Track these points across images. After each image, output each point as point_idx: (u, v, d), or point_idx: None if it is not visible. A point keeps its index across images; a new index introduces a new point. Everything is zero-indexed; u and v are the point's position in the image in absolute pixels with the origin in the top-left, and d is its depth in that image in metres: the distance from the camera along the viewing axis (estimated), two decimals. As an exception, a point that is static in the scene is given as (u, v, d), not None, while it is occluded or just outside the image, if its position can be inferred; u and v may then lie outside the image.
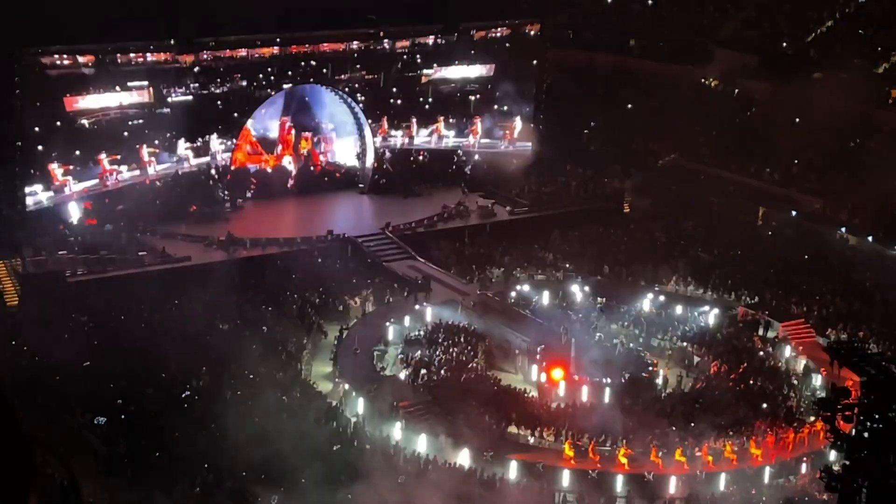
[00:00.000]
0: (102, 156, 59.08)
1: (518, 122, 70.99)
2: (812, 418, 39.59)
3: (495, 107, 70.50)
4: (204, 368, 41.31)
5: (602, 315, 49.31)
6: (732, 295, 53.45)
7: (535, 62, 71.72)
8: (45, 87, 57.92)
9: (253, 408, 38.33)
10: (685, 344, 47.97)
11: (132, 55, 61.46)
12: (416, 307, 49.81)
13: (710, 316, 50.17)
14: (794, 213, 61.44)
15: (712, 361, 46.01)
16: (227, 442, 35.71)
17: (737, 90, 71.09)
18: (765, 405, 42.12)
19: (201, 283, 48.42)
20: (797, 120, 65.31)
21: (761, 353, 47.26)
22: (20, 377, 38.32)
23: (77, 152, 58.70)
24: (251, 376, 41.16)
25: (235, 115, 63.77)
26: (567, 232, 59.94)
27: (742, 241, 59.07)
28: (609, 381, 43.33)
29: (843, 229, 59.42)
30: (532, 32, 73.02)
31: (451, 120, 69.89)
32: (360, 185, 67.20)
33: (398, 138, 68.74)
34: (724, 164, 65.34)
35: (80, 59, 60.05)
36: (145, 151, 60.48)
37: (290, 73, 65.26)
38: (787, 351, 47.58)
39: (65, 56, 59.60)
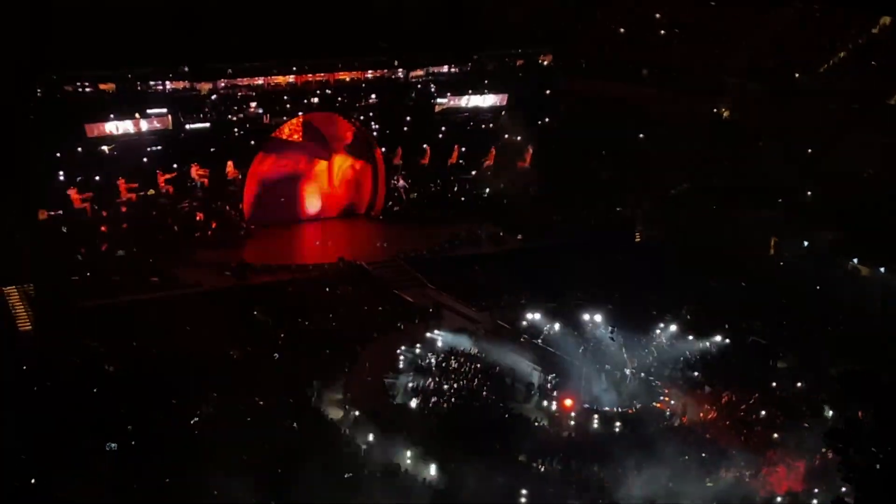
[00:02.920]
0: (120, 181, 59.13)
1: (531, 151, 70.72)
2: (824, 449, 38.84)
3: (508, 135, 70.19)
4: (214, 394, 40.75)
5: (613, 344, 48.65)
6: (744, 325, 52.70)
7: (547, 92, 71.45)
8: (66, 114, 57.98)
9: (262, 434, 37.82)
10: (697, 374, 47.23)
11: (151, 83, 61.56)
12: (428, 335, 49.22)
13: (722, 346, 49.46)
14: (805, 243, 60.76)
15: (724, 392, 45.27)
16: (237, 467, 35.15)
17: (748, 120, 70.51)
18: (776, 436, 41.37)
19: (212, 310, 48.04)
20: (809, 150, 64.73)
21: (773, 383, 46.48)
22: (31, 402, 37.94)
23: (97, 178, 58.70)
24: (261, 403, 40.62)
25: (252, 142, 63.68)
26: (578, 260, 59.35)
27: (754, 271, 58.39)
28: (620, 410, 42.70)
29: (855, 260, 58.68)
30: (545, 62, 72.82)
31: (463, 148, 69.64)
32: (373, 212, 66.83)
33: (412, 165, 68.53)
34: (736, 193, 64.67)
35: (101, 86, 60.14)
36: (162, 177, 60.52)
37: (305, 101, 65.14)
38: (799, 382, 46.78)
39: (86, 83, 59.70)
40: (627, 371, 46.39)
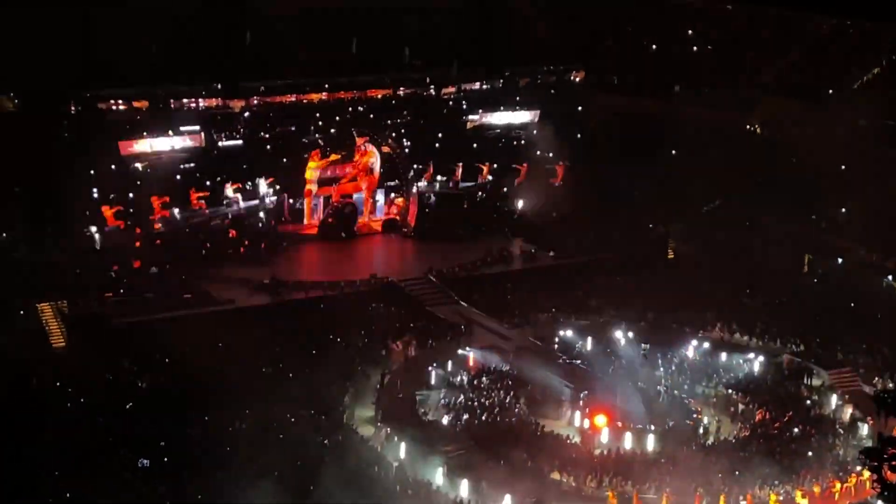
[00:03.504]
0: (153, 198, 59.43)
1: (562, 167, 70.64)
2: (859, 468, 38.48)
3: (539, 152, 70.11)
4: (247, 411, 40.80)
5: (646, 361, 48.43)
6: (778, 342, 52.34)
7: (579, 108, 71.41)
8: (100, 132, 58.42)
9: (293, 450, 37.84)
10: (730, 391, 46.86)
11: (185, 101, 61.97)
12: (459, 352, 49.14)
13: (756, 363, 49.10)
14: (839, 260, 60.38)
15: (757, 409, 44.90)
16: (269, 483, 35.16)
17: (780, 136, 70.19)
18: (810, 454, 41.00)
19: (245, 326, 48.16)
20: (843, 167, 64.33)
21: (807, 401, 46.11)
22: (65, 418, 38.11)
23: (130, 195, 59.03)
24: (293, 420, 40.63)
25: (284, 159, 63.94)
26: (611, 277, 59.20)
27: (788, 288, 58.06)
28: (653, 428, 42.45)
29: (890, 277, 58.24)
30: (576, 79, 72.82)
31: (495, 165, 69.63)
32: (405, 229, 66.91)
33: (443, 182, 68.60)
34: (769, 210, 64.33)
35: (135, 104, 60.60)
36: (195, 194, 60.80)
37: (337, 118, 65.35)
38: (834, 399, 46.35)
39: (120, 101, 60.16)
40: (660, 388, 46.16)
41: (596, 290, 57.26)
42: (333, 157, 65.41)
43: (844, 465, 40.55)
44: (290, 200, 65.70)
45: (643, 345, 49.16)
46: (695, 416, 44.42)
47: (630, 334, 50.17)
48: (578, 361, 48.02)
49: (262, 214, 62.54)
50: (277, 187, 63.90)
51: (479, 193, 69.77)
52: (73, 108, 58.09)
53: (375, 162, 66.51)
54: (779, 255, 61.03)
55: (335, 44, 61.92)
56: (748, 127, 71.68)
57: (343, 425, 42.12)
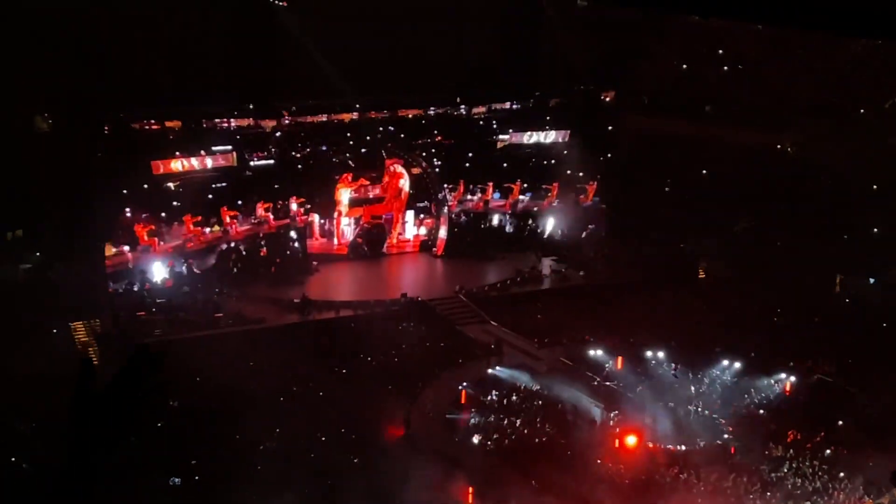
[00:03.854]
0: (185, 217, 59.82)
1: (593, 187, 70.64)
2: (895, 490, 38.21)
3: (570, 171, 70.13)
4: (277, 430, 40.95)
5: (676, 381, 48.29)
6: (810, 362, 52.04)
7: (609, 128, 71.39)
8: (132, 151, 58.78)
9: (324, 469, 37.94)
10: (761, 411, 46.69)
11: (217, 121, 62.34)
12: (489, 371, 49.18)
13: (787, 383, 48.89)
14: (871, 280, 59.99)
15: (789, 430, 44.68)
16: (298, 502, 35.28)
17: (811, 156, 69.80)
18: (842, 474, 40.73)
19: (276, 346, 48.38)
20: (875, 187, 63.98)
21: (839, 422, 45.81)
22: (96, 437, 38.22)
23: (163, 214, 59.45)
24: (323, 438, 40.74)
25: (315, 179, 64.25)
26: (641, 296, 59.03)
27: (819, 308, 57.74)
28: (684, 448, 42.30)
29: (924, 297, 57.86)
30: (607, 99, 72.78)
31: (525, 184, 69.71)
32: (434, 249, 67.05)
33: (473, 202, 68.76)
34: (800, 229, 63.98)
35: (167, 123, 60.98)
36: (227, 213, 61.17)
37: (368, 137, 65.68)
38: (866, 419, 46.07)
39: (153, 121, 60.55)
40: (691, 408, 46.00)
41: (626, 310, 57.07)
42: (363, 181, 65.76)
43: (877, 485, 40.27)
44: (321, 220, 65.99)
45: (674, 364, 49.02)
46: (726, 436, 44.23)
47: (660, 354, 50.03)
48: (608, 381, 47.98)
49: (292, 234, 62.80)
50: (308, 207, 64.19)
51: (509, 213, 69.84)
52: (106, 127, 58.45)
53: (405, 182, 66.75)
54: (810, 275, 60.67)
55: (366, 64, 61.94)
56: (779, 147, 71.34)
57: (373, 444, 42.19)
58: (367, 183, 66.22)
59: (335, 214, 65.91)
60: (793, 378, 49.22)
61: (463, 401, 46.29)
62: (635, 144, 72.00)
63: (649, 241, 66.80)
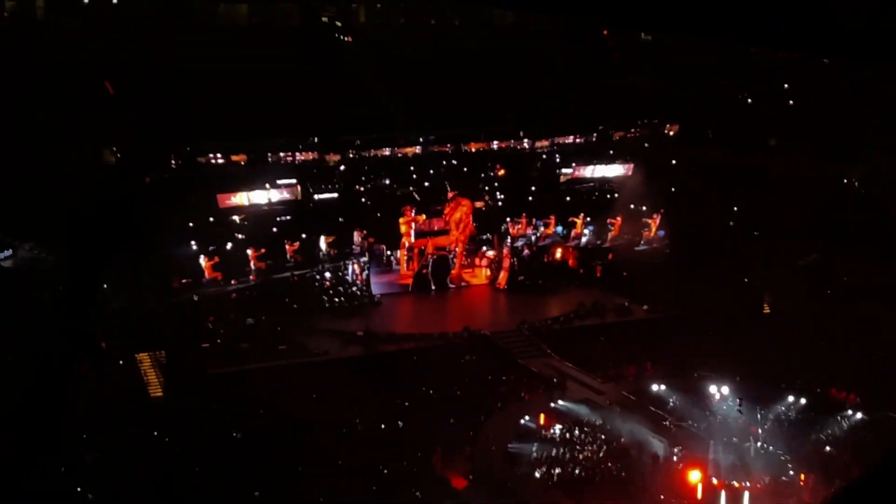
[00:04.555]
0: (250, 250, 60.42)
1: (656, 221, 70.33)
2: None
3: (633, 205, 69.93)
4: (339, 462, 41.12)
5: (741, 416, 47.75)
6: (880, 399, 51.20)
7: (673, 161, 71.09)
8: (199, 185, 59.55)
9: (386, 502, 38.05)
10: (828, 448, 46.02)
11: (281, 154, 63.04)
12: (552, 405, 49.02)
13: (854, 420, 48.15)
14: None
15: (857, 468, 43.94)
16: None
17: (880, 190, 68.97)
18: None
19: (339, 378, 48.67)
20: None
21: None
22: (160, 467, 38.76)
23: (227, 247, 60.09)
24: (385, 471, 40.83)
25: (378, 213, 64.66)
26: (705, 331, 58.50)
27: (888, 345, 56.80)
28: (748, 484, 41.80)
29: None
30: (671, 132, 72.57)
31: (588, 218, 69.61)
32: (498, 282, 67.08)
33: (537, 235, 68.75)
34: (868, 263, 63.13)
35: (233, 157, 61.76)
36: (290, 247, 61.70)
37: (431, 171, 66.06)
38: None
39: (219, 155, 61.35)
40: (755, 444, 45.46)
41: (690, 344, 56.60)
42: (421, 217, 66.06)
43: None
44: (387, 252, 66.41)
45: (738, 399, 48.51)
46: (791, 472, 43.64)
47: (724, 389, 49.53)
48: (672, 416, 47.63)
49: (355, 267, 63.18)
50: (371, 240, 64.56)
51: (573, 247, 69.73)
52: (173, 161, 59.34)
53: (468, 215, 66.94)
54: (878, 310, 59.76)
55: (430, 98, 62.41)
56: (846, 181, 70.58)
57: (435, 477, 42.24)
58: (429, 217, 66.46)
59: (400, 246, 66.28)
60: (860, 415, 48.46)
61: (525, 434, 46.18)
62: (699, 178, 71.67)
63: (714, 274, 66.28)
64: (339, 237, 63.68)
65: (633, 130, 72.35)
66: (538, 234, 69.00)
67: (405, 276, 66.52)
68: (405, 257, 66.52)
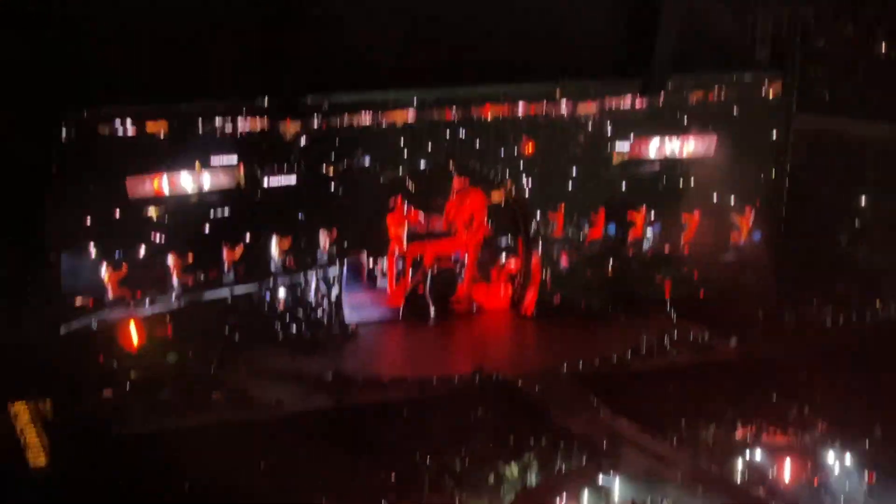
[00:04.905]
0: (172, 258, 60.15)
1: (749, 219, 70.12)
2: None
3: (716, 197, 69.72)
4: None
5: (870, 496, 47.55)
6: None
7: (774, 133, 70.82)
8: (99, 164, 59.02)
9: None
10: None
11: (217, 122, 62.55)
12: (599, 480, 48.79)
13: None
14: None
15: None
16: None
17: None
18: None
19: (298, 441, 48.42)
20: None
21: None
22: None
23: (140, 254, 59.81)
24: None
25: (355, 205, 64.34)
26: (820, 375, 58.22)
27: None
28: None
29: None
30: (771, 93, 72.22)
31: (652, 215, 69.41)
32: (524, 304, 66.87)
33: (579, 238, 68.58)
34: None
35: (149, 126, 61.19)
36: (230, 254, 61.44)
37: (430, 147, 65.76)
38: None
39: (127, 121, 60.72)
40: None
41: (797, 394, 56.36)
42: (416, 214, 65.87)
43: None
44: (368, 263, 66.27)
45: (866, 472, 48.30)
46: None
47: (847, 457, 49.30)
48: (771, 495, 47.41)
49: (321, 283, 62.99)
50: (346, 244, 64.31)
51: (630, 255, 69.55)
52: (63, 133, 58.63)
53: (481, 211, 66.68)
54: None
55: (427, 40, 61.89)
56: None
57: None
58: (427, 214, 66.36)
59: (387, 254, 66.21)
60: None
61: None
62: (812, 157, 71.29)
63: (832, 297, 66.01)
64: (299, 240, 63.49)
65: (716, 88, 71.97)
66: (582, 237, 68.83)
67: (393, 297, 66.40)
68: (394, 270, 66.36)
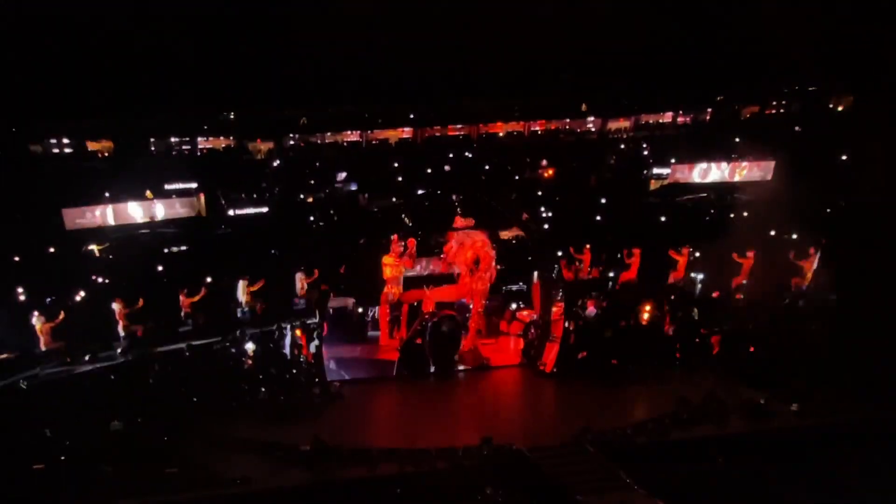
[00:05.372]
0: (117, 306, 59.82)
1: (813, 261, 69.80)
2: None
3: (774, 232, 69.46)
4: None
5: None
6: None
7: (844, 155, 70.66)
8: (32, 191, 59.12)
9: None
10: None
11: (173, 140, 62.55)
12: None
13: None
14: None
15: None
16: None
17: None
18: None
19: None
20: None
21: None
22: None
23: (78, 297, 59.50)
24: None
25: (339, 240, 64.14)
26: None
27: None
28: None
29: None
30: (840, 108, 72.08)
31: (697, 254, 69.12)
32: (540, 360, 66.52)
33: (610, 282, 68.29)
34: None
35: (90, 145, 61.25)
36: (187, 301, 61.16)
37: (428, 171, 65.61)
38: None
39: (65, 140, 60.79)
40: None
41: (877, 473, 55.83)
42: (411, 250, 65.63)
43: None
44: (357, 310, 66.06)
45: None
46: None
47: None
48: None
49: (297, 334, 62.69)
50: (325, 288, 64.05)
51: (670, 301, 69.20)
52: (-9, 154, 58.92)
53: (489, 253, 66.40)
54: None
55: (428, 46, 61.90)
56: None
57: None
58: (426, 253, 66.19)
59: (379, 301, 65.91)
60: None
61: None
62: (888, 183, 71.09)
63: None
64: (271, 283, 63.18)
65: (774, 104, 71.82)
66: (612, 281, 68.51)
67: (386, 350, 65.97)
68: (387, 318, 66.09)
